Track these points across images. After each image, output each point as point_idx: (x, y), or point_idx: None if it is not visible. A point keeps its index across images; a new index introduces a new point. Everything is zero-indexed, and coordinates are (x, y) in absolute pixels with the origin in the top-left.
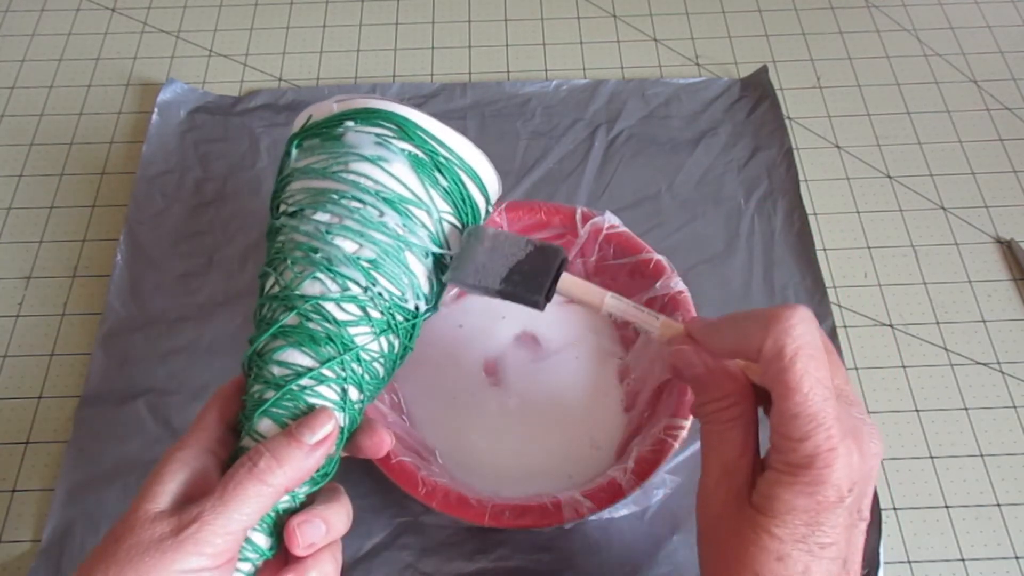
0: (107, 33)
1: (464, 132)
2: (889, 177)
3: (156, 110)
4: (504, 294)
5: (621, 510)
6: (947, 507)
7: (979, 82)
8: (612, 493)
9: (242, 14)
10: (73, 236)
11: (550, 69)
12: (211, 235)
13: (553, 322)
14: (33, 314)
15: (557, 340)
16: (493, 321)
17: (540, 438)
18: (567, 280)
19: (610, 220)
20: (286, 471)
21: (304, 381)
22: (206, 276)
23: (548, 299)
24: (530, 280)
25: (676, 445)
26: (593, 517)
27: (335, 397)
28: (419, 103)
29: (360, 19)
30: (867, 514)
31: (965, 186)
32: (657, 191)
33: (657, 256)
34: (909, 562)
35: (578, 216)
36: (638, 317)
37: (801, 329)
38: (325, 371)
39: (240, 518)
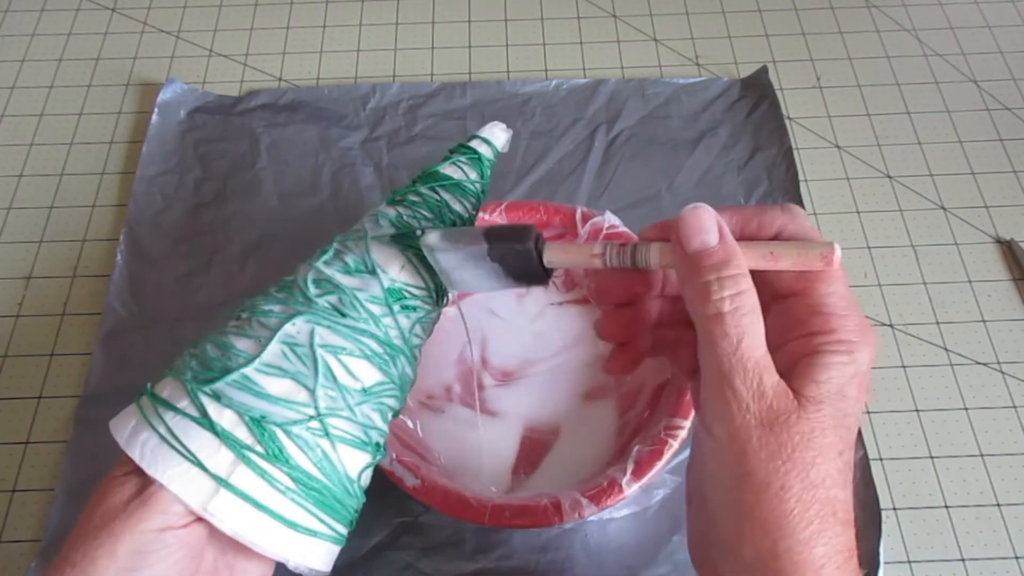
0: (107, 33)
1: (464, 132)
2: (889, 177)
3: (156, 110)
4: (492, 251)
5: (621, 510)
6: (947, 507)
7: (979, 82)
8: (612, 493)
9: (242, 14)
10: (73, 236)
11: (550, 69)
12: (211, 235)
13: (550, 325)
14: (33, 314)
15: (554, 343)
16: (490, 321)
17: (539, 439)
18: (554, 248)
19: (610, 220)
20: None
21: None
22: (206, 276)
23: (542, 262)
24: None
25: (676, 445)
26: (593, 517)
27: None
28: (419, 103)
29: (360, 19)
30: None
31: (965, 186)
32: (657, 191)
33: None
34: (909, 562)
35: (578, 216)
36: (631, 252)
37: (810, 222)
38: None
39: None
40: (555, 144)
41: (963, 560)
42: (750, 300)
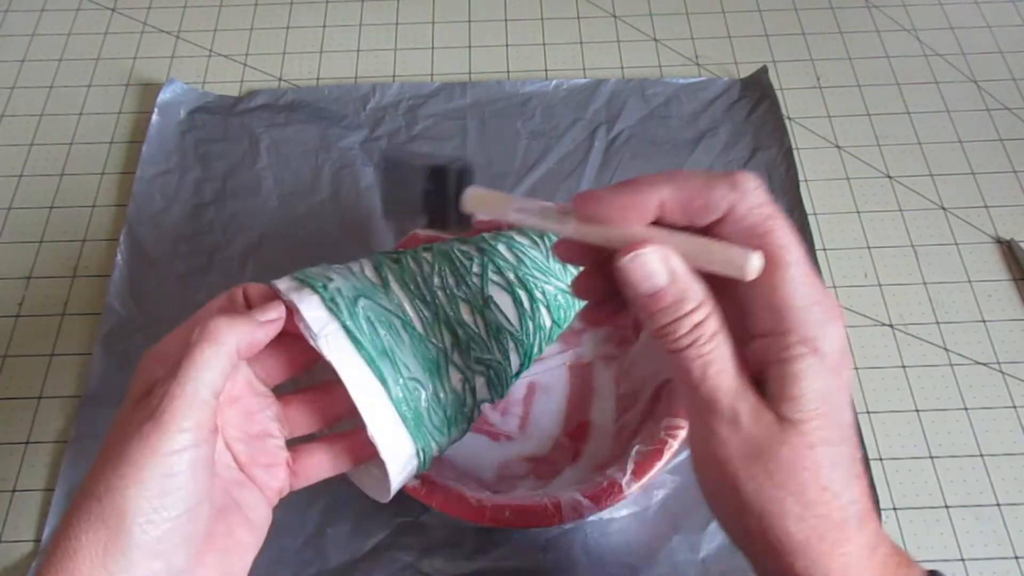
0: (107, 33)
1: (464, 132)
2: (889, 177)
3: (156, 110)
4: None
5: (621, 510)
6: (947, 507)
7: (979, 82)
8: (612, 493)
9: (242, 14)
10: (73, 236)
11: (550, 69)
12: (211, 235)
13: None
14: (33, 314)
15: (554, 343)
16: None
17: (539, 439)
18: (472, 192)
19: None
20: (235, 330)
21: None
22: (206, 276)
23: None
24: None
25: (676, 445)
26: (593, 517)
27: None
28: (419, 103)
29: (360, 19)
30: None
31: (965, 186)
32: None
33: None
34: None
35: None
36: (544, 224)
37: (767, 194)
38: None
39: (204, 384)
40: (555, 144)
41: (963, 560)
42: (710, 327)
